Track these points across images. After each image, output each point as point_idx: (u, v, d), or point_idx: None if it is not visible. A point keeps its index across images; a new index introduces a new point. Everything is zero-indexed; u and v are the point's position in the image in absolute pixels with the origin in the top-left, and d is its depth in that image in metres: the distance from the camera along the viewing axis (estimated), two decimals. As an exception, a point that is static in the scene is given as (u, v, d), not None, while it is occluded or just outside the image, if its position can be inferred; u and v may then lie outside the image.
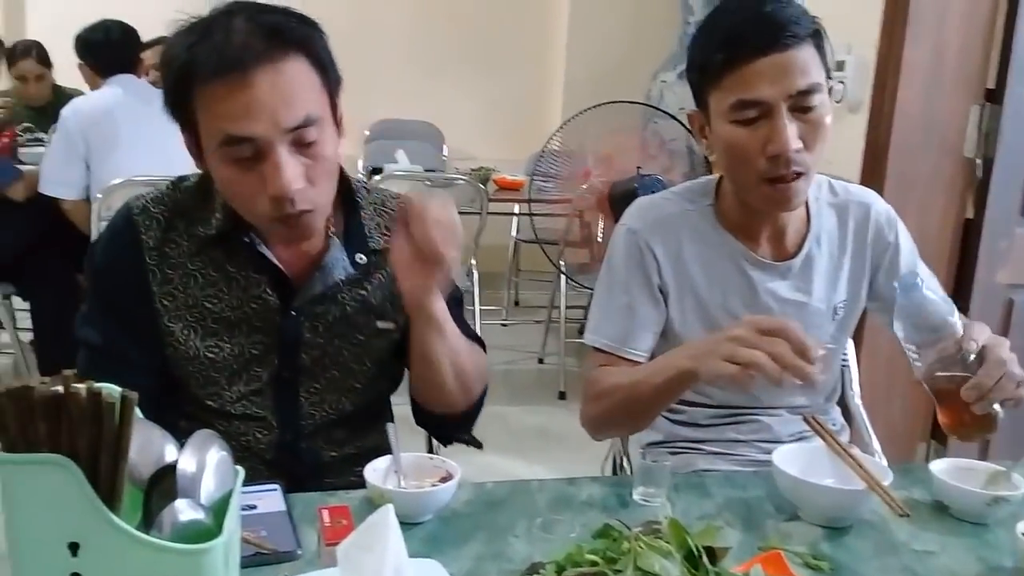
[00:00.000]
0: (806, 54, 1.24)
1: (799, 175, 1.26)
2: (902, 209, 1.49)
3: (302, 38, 1.12)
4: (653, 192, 2.66)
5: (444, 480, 1.09)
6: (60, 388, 0.68)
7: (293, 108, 1.09)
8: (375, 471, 1.09)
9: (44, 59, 4.02)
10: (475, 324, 3.63)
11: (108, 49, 3.21)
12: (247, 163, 1.10)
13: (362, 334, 1.29)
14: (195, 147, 1.16)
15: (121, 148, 3.05)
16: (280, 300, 1.23)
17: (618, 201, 3.03)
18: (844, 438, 1.48)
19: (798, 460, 1.15)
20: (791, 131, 1.23)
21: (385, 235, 1.29)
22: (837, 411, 1.59)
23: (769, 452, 1.19)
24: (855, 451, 1.18)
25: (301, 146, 1.11)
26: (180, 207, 1.24)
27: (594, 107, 3.28)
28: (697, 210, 1.42)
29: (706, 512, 1.13)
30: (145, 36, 3.32)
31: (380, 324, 1.30)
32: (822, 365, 1.07)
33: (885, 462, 1.37)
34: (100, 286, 1.26)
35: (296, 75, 1.10)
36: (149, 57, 4.34)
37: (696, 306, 1.41)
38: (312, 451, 1.30)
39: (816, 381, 1.07)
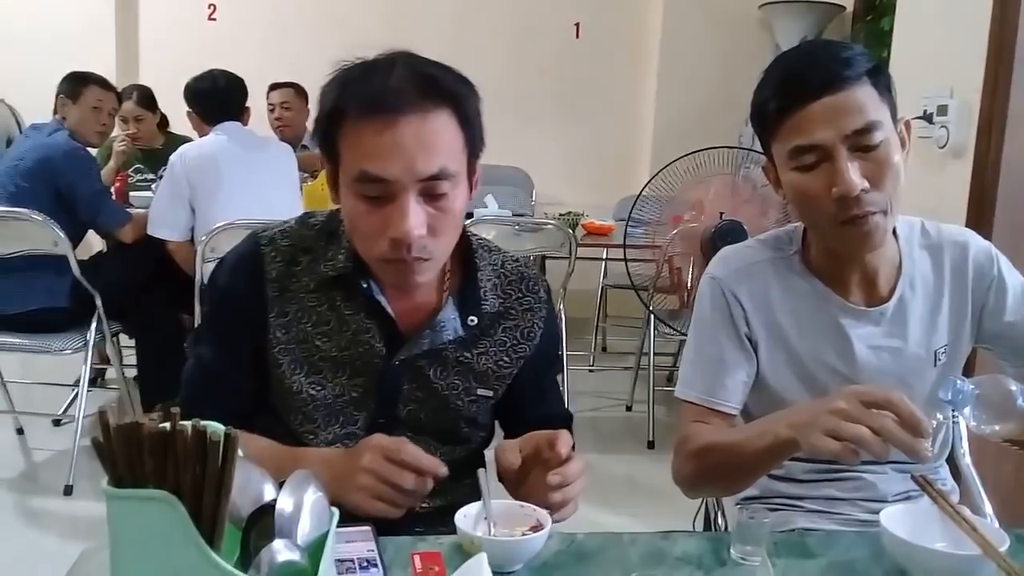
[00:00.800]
0: (862, 93, 1.21)
1: (874, 213, 1.23)
2: (1012, 260, 1.42)
3: (454, 94, 1.15)
4: (733, 235, 2.65)
5: (535, 529, 1.07)
6: (167, 425, 0.70)
7: (431, 158, 1.12)
8: (466, 517, 1.09)
9: (146, 101, 4.19)
10: (563, 370, 3.61)
11: (214, 98, 3.36)
12: (376, 202, 1.13)
13: (460, 399, 1.30)
14: (334, 179, 1.20)
15: (224, 192, 3.17)
16: (386, 349, 1.25)
17: (708, 246, 3.00)
18: (954, 499, 1.41)
19: (907, 521, 1.09)
20: (853, 171, 1.20)
21: (500, 298, 1.31)
22: (946, 470, 1.51)
23: (872, 512, 1.14)
24: (967, 513, 1.12)
25: (430, 196, 1.13)
26: (305, 243, 1.27)
27: (689, 154, 3.27)
28: (784, 258, 1.39)
29: (808, 573, 1.08)
30: (251, 88, 3.46)
31: (480, 391, 1.31)
32: (935, 441, 1.02)
33: (998, 525, 1.29)
34: (217, 307, 1.30)
35: (441, 127, 1.14)
36: (274, 98, 4.53)
37: (787, 356, 1.37)
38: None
39: (928, 458, 1.02)
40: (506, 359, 1.31)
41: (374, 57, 1.17)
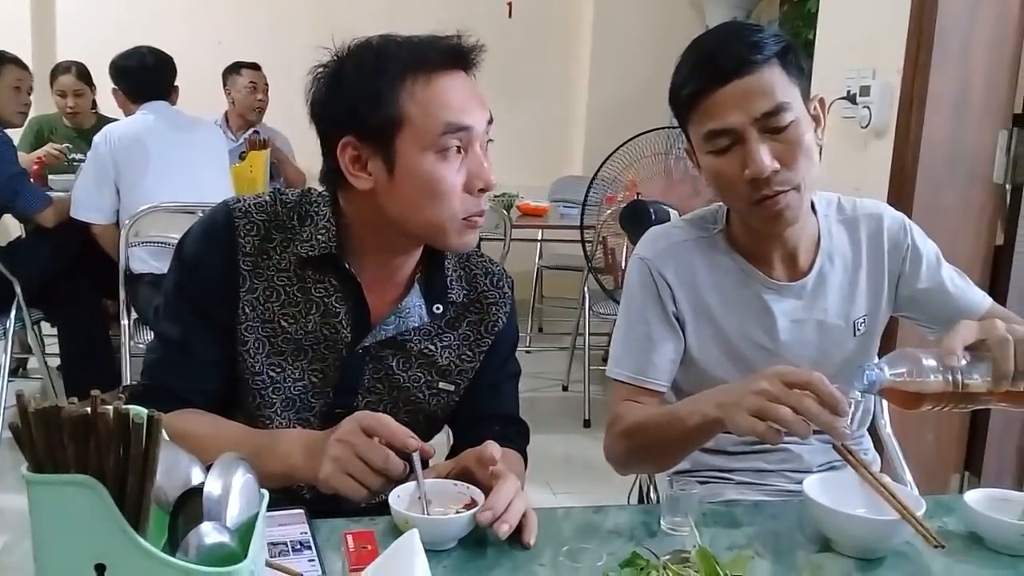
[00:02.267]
0: (770, 75, 1.24)
1: (787, 191, 1.26)
2: (930, 236, 1.47)
3: (475, 58, 1.19)
4: (648, 211, 2.68)
5: (468, 507, 1.08)
6: (88, 409, 0.68)
7: (487, 109, 1.19)
8: (399, 498, 1.08)
9: (84, 76, 4.08)
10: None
11: (141, 76, 3.25)
12: (454, 158, 1.15)
13: (421, 392, 1.29)
14: (373, 158, 1.17)
15: (151, 174, 3.09)
16: (352, 336, 1.23)
17: (624, 224, 3.02)
18: (875, 468, 1.46)
19: (829, 490, 1.13)
20: (764, 153, 1.23)
21: (466, 289, 1.30)
22: (868, 440, 1.56)
23: (799, 482, 1.17)
24: (887, 480, 1.16)
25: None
26: (279, 220, 1.23)
27: (626, 142, 3.31)
28: (708, 237, 1.42)
29: (735, 542, 1.11)
30: (177, 62, 3.36)
31: (442, 385, 1.30)
32: (853, 419, 1.06)
33: (917, 492, 1.34)
34: (186, 277, 1.23)
35: (477, 86, 1.19)
36: (257, 79, 4.43)
37: (713, 332, 1.40)
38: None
39: (846, 436, 1.05)
40: (468, 353, 1.31)
41: (387, 36, 1.18)
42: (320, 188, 1.27)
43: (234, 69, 4.49)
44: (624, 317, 1.44)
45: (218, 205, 1.25)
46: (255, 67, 4.48)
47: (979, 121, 2.40)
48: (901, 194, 2.41)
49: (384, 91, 1.13)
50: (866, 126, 2.54)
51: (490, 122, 1.19)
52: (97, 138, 3.15)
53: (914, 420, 2.39)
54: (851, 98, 2.62)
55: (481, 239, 4.04)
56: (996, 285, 2.44)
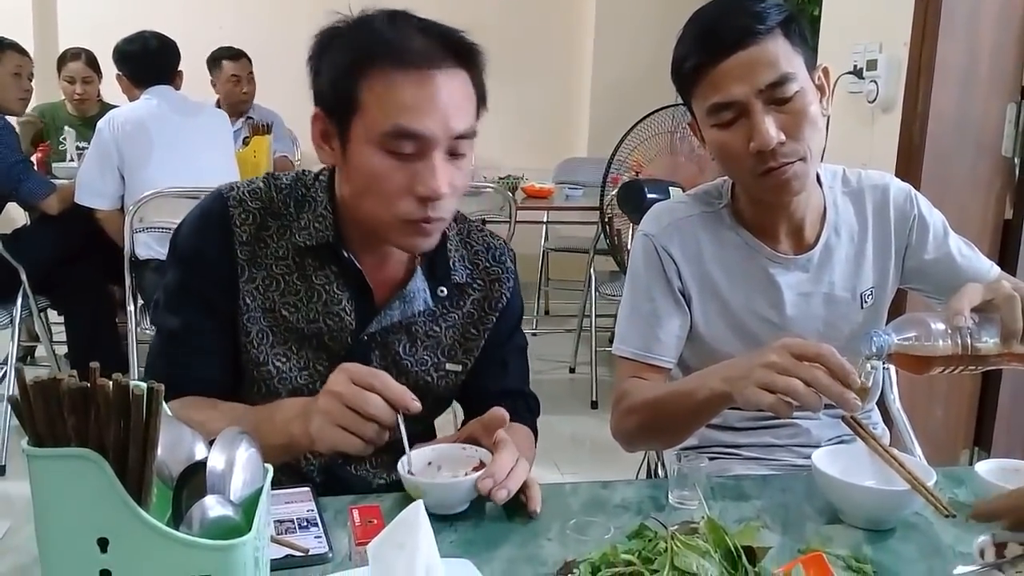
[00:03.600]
0: (773, 46, 1.22)
1: (793, 162, 1.24)
2: (938, 209, 1.46)
3: (471, 55, 1.13)
4: (642, 190, 2.67)
5: (477, 469, 1.07)
6: (87, 382, 0.68)
7: (461, 117, 1.10)
8: (404, 466, 1.07)
9: (93, 63, 4.07)
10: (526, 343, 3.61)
11: (145, 60, 3.23)
12: (403, 159, 1.09)
13: (429, 375, 1.27)
14: (334, 135, 1.13)
15: (154, 159, 3.07)
16: (356, 323, 1.22)
17: (623, 205, 3.01)
18: (884, 443, 1.44)
19: (838, 462, 1.12)
20: (770, 125, 1.21)
21: (468, 268, 1.29)
22: (877, 414, 1.55)
23: (807, 457, 1.16)
24: (896, 452, 1.15)
25: (453, 155, 1.11)
26: (275, 207, 1.21)
27: (638, 123, 3.29)
28: (713, 212, 1.41)
29: (744, 515, 1.10)
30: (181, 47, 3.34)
31: (449, 366, 1.28)
32: (866, 391, 1.04)
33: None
34: (184, 270, 1.21)
35: (465, 86, 1.12)
36: (237, 69, 4.40)
37: (719, 307, 1.39)
38: (360, 477, 1.29)
39: (857, 408, 1.03)
40: (473, 331, 1.29)
41: (379, 10, 1.13)
42: (314, 170, 1.25)
43: (215, 61, 4.46)
44: (629, 294, 1.43)
45: (211, 194, 1.23)
46: (237, 56, 4.45)
47: (987, 94, 2.38)
48: (909, 169, 2.39)
49: (347, 72, 1.09)
50: (873, 100, 2.52)
51: (466, 136, 1.11)
52: (101, 123, 3.14)
53: (923, 395, 2.39)
54: (858, 72, 2.60)
55: (486, 221, 4.05)
56: (1005, 259, 2.42)
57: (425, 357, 1.27)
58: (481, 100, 1.16)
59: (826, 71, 1.31)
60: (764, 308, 1.38)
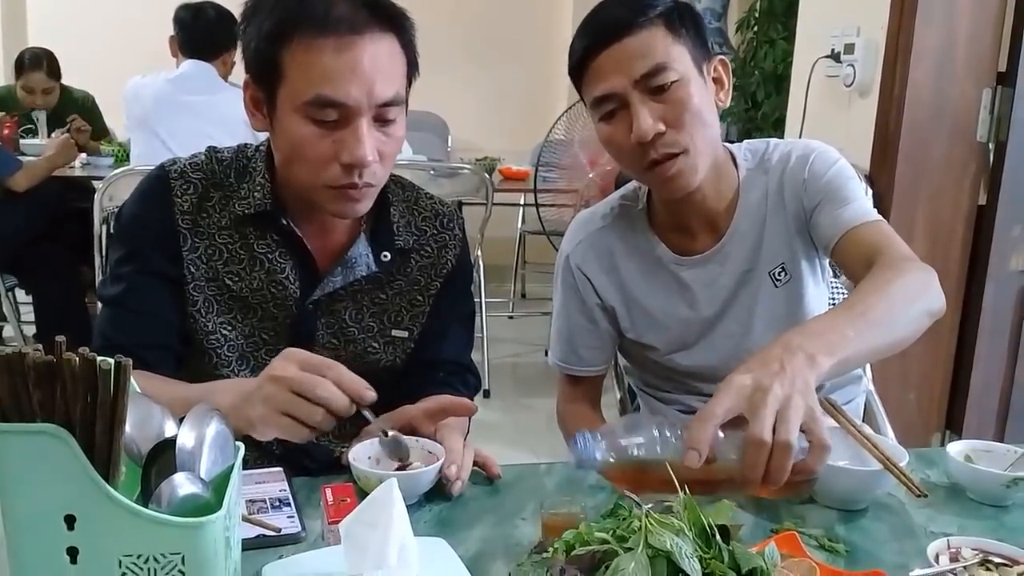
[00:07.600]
0: (650, 36, 1.21)
1: (676, 155, 1.23)
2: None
3: (397, 19, 1.12)
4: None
5: (427, 461, 1.06)
6: (53, 356, 0.66)
7: (387, 83, 1.09)
8: (356, 459, 1.05)
9: (54, 71, 3.94)
10: (481, 317, 3.60)
11: (188, 31, 3.14)
12: (328, 126, 1.09)
13: (376, 341, 1.27)
14: (264, 103, 1.13)
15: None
16: (300, 291, 1.21)
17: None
18: (858, 423, 1.45)
19: (812, 441, 1.12)
20: (646, 115, 1.20)
21: (415, 235, 1.28)
22: (861, 399, 1.57)
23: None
24: (869, 432, 1.16)
25: (381, 122, 1.11)
26: (216, 178, 1.21)
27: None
28: (627, 216, 1.41)
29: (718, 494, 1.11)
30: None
31: (395, 332, 1.28)
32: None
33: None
34: (126, 239, 1.21)
35: (392, 52, 1.11)
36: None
37: (642, 314, 1.40)
38: (322, 448, 1.28)
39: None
40: (419, 297, 1.29)
41: None
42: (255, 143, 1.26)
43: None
44: (554, 310, 1.49)
45: (153, 169, 1.24)
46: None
47: (963, 79, 2.39)
48: (885, 153, 2.40)
49: (271, 40, 1.09)
50: (850, 84, 2.52)
51: (394, 103, 1.11)
52: (128, 95, 3.13)
53: (896, 379, 2.41)
54: (835, 56, 2.60)
55: (462, 203, 4.04)
56: (978, 244, 2.44)
57: (371, 324, 1.26)
58: (412, 65, 1.15)
59: (724, 63, 1.29)
60: (682, 309, 1.38)
